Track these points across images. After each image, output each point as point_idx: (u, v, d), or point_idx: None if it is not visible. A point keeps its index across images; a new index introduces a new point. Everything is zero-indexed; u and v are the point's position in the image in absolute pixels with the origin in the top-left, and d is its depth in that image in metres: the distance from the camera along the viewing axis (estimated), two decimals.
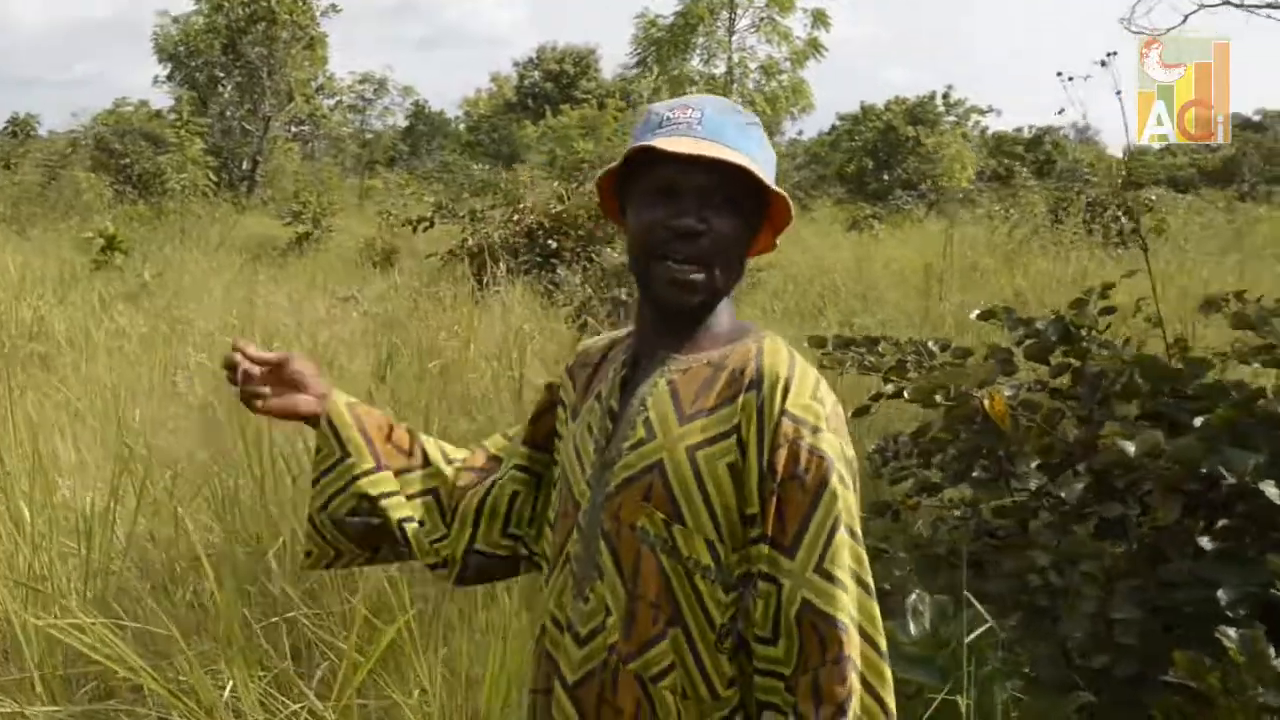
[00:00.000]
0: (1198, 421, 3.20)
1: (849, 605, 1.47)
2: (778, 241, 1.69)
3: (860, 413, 3.79)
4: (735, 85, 27.09)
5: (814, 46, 27.41)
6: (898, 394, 3.60)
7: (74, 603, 3.32)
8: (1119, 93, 4.98)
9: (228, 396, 6.23)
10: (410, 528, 1.81)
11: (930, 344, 4.05)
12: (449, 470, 1.86)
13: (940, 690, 2.63)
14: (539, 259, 11.95)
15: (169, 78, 37.00)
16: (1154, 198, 18.87)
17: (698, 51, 28.36)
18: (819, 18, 27.32)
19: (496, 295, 9.72)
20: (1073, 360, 3.74)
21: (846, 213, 25.26)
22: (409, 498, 1.82)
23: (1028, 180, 29.47)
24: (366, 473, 1.80)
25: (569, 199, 12.91)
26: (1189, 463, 2.95)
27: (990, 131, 48.21)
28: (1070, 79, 4.95)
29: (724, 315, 1.63)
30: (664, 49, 28.01)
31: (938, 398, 3.36)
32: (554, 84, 54.32)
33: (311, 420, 1.81)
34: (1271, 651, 2.42)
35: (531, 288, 10.75)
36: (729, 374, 1.55)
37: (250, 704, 2.77)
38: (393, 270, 14.25)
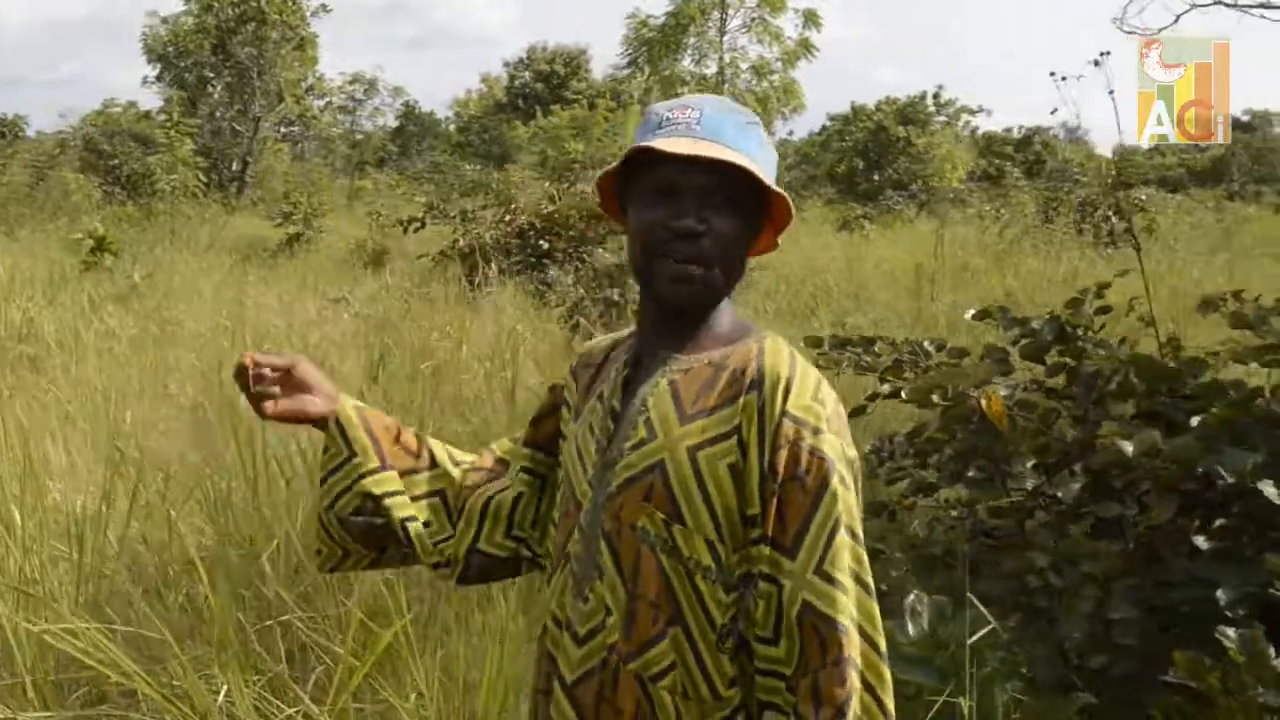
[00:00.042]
0: (1194, 421, 3.20)
1: (849, 607, 1.47)
2: (779, 241, 1.69)
3: (856, 413, 3.78)
4: (727, 86, 27.05)
5: (805, 47, 27.41)
6: (894, 394, 3.59)
7: (65, 607, 3.29)
8: (1112, 92, 4.99)
9: (219, 398, 6.20)
10: (413, 527, 1.81)
11: (926, 344, 4.04)
12: (456, 472, 1.86)
13: (940, 691, 2.63)
14: (531, 259, 11.93)
15: (158, 78, 36.83)
16: (1144, 197, 18.92)
17: (689, 52, 28.34)
18: (810, 18, 27.31)
19: (488, 296, 9.70)
20: (1068, 360, 3.74)
21: (837, 213, 25.27)
22: (415, 499, 1.82)
23: (1018, 180, 29.53)
24: (371, 472, 1.80)
25: (560, 199, 12.89)
26: (1187, 462, 2.95)
27: (980, 132, 48.33)
28: (1064, 79, 4.96)
29: (725, 315, 1.63)
30: (655, 49, 27.97)
31: (935, 398, 3.35)
32: (544, 84, 54.27)
33: (320, 422, 1.81)
34: (1271, 651, 2.42)
35: (523, 288, 10.74)
36: (730, 374, 1.55)
37: (245, 708, 2.75)
38: (384, 271, 14.22)
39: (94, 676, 3.00)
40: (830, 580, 1.46)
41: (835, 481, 1.48)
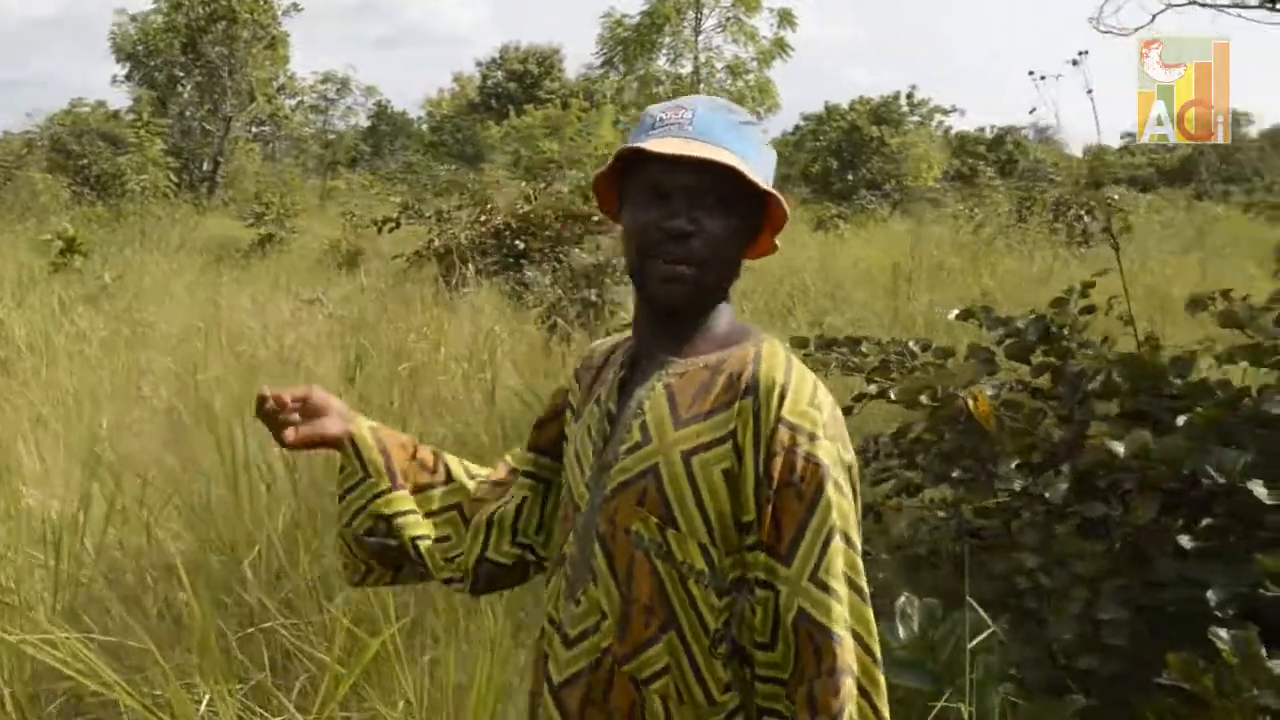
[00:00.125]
0: (1180, 420, 3.21)
1: (843, 614, 1.46)
2: (777, 243, 1.68)
3: (843, 414, 3.77)
4: (702, 85, 27.07)
5: (780, 46, 27.47)
6: (881, 394, 3.58)
7: (42, 615, 3.23)
8: (1090, 92, 5.00)
9: (193, 401, 6.14)
10: (424, 546, 1.82)
11: (911, 344, 4.04)
12: (471, 485, 1.87)
13: (933, 694, 2.62)
14: (508, 260, 11.88)
15: (127, 77, 36.54)
16: (1117, 197, 19.05)
17: (664, 51, 28.35)
18: (785, 18, 27.39)
19: (465, 297, 9.66)
20: (1053, 360, 3.74)
21: (812, 212, 25.31)
22: (428, 514, 1.84)
23: (992, 180, 29.69)
24: (383, 493, 1.82)
25: (536, 199, 12.84)
26: (1176, 462, 2.95)
27: (953, 131, 48.58)
28: (1042, 78, 4.97)
29: (723, 318, 1.62)
30: (630, 49, 27.97)
31: (922, 399, 3.35)
32: (517, 84, 54.19)
33: (337, 444, 1.83)
34: (1263, 652, 2.41)
35: (500, 289, 10.69)
36: (726, 378, 1.54)
37: (228, 717, 2.71)
38: (358, 272, 14.13)
39: (72, 687, 2.95)
40: (825, 588, 1.45)
41: (830, 488, 1.48)
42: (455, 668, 2.76)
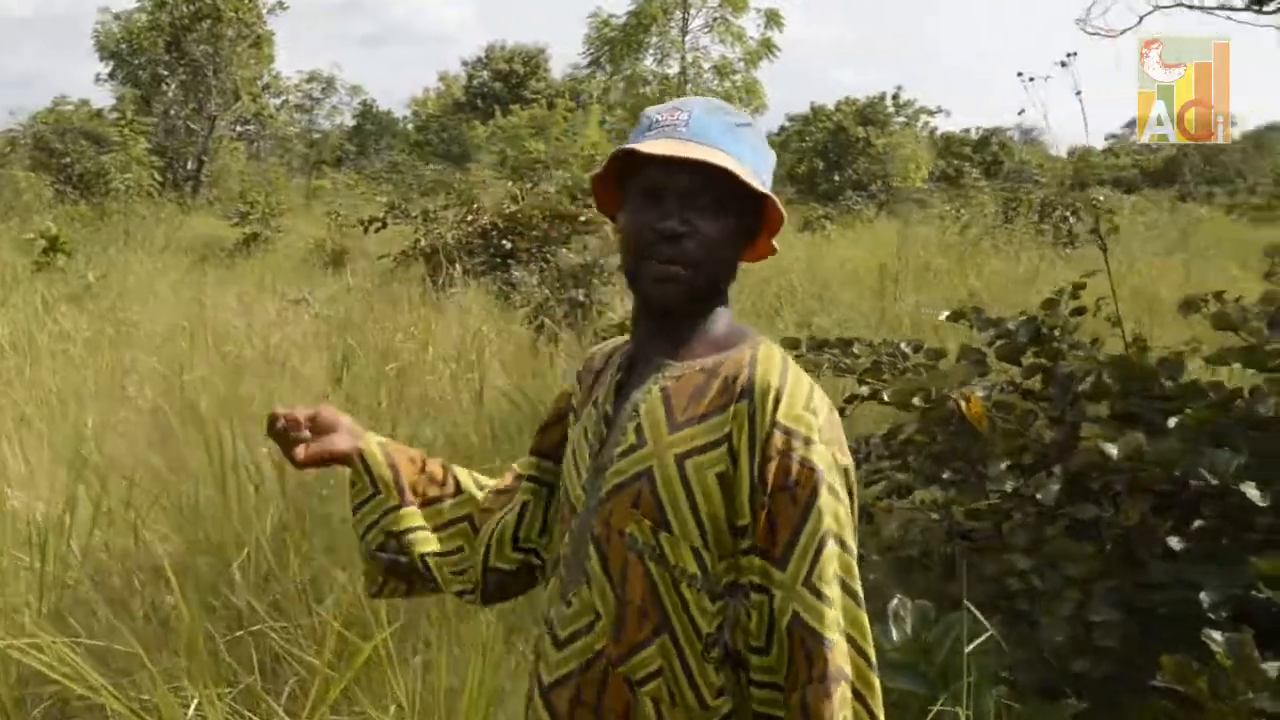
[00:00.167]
0: (1172, 422, 3.21)
1: (837, 619, 1.46)
2: (775, 245, 1.67)
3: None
4: (689, 85, 27.03)
5: (767, 47, 27.45)
6: (872, 396, 3.58)
7: (27, 618, 3.20)
8: (1079, 93, 5.01)
9: (179, 401, 6.10)
10: (433, 561, 1.83)
11: (903, 345, 4.04)
12: (480, 495, 1.87)
13: (926, 697, 2.61)
14: (495, 260, 11.85)
15: (111, 76, 36.36)
16: (1102, 198, 19.13)
17: (651, 51, 28.27)
18: (772, 18, 27.37)
19: (452, 297, 9.62)
20: (1045, 361, 3.74)
21: (798, 213, 25.30)
22: (439, 527, 1.84)
23: (977, 180, 29.75)
24: (393, 509, 1.83)
25: (523, 199, 12.81)
26: (1170, 464, 2.95)
27: (939, 132, 48.73)
28: (1031, 79, 4.98)
29: (721, 321, 1.62)
30: (617, 48, 27.90)
31: (915, 400, 3.34)
32: (503, 84, 54.14)
33: (346, 460, 1.84)
34: (1256, 655, 2.41)
35: (487, 289, 10.66)
36: (721, 381, 1.54)
37: None
38: (344, 272, 14.08)
39: (59, 691, 2.91)
40: (818, 594, 1.45)
41: (825, 492, 1.47)
42: (447, 671, 2.74)
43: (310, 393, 6.91)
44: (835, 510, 1.48)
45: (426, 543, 1.82)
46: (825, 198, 32.30)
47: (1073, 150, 25.71)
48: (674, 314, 1.58)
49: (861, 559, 3.45)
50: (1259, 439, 2.95)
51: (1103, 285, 4.11)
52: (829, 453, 1.50)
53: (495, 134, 41.35)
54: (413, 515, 1.82)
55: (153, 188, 24.14)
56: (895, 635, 2.83)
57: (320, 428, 1.81)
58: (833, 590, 1.46)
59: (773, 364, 1.54)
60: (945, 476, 3.77)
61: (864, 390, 3.66)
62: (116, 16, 35.87)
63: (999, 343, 3.88)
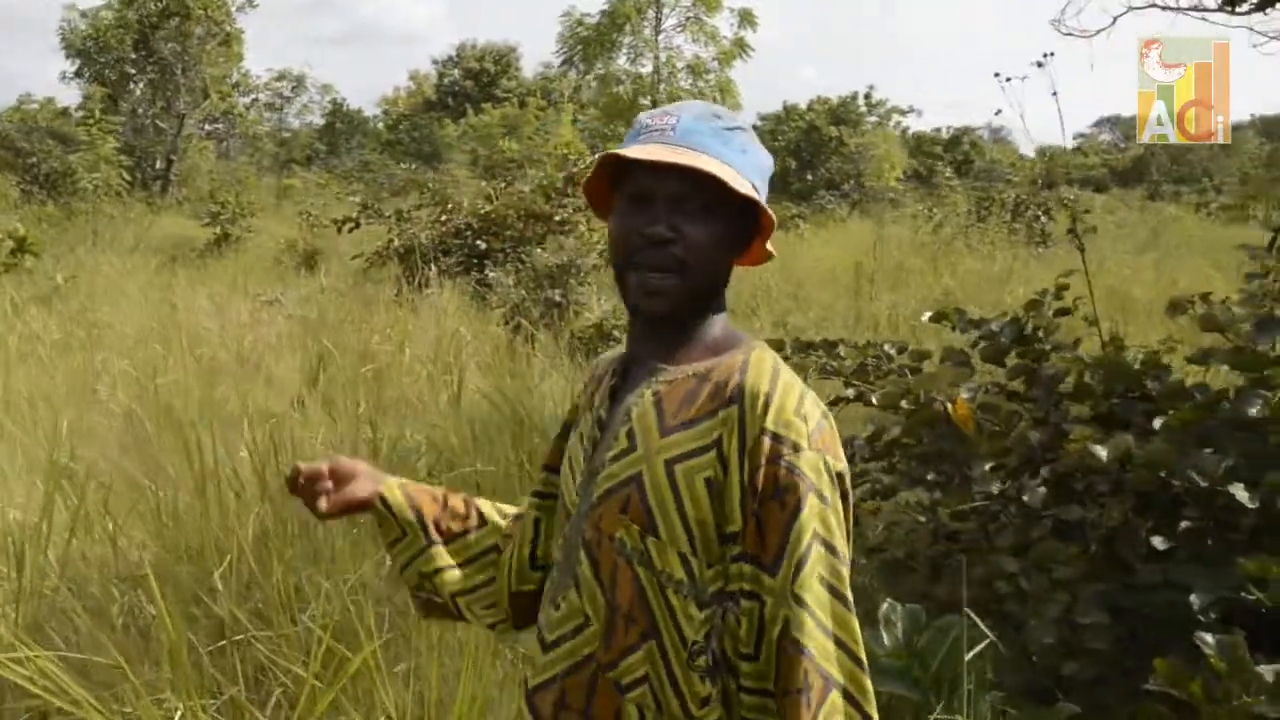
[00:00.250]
0: (1157, 423, 3.22)
1: (826, 622, 1.45)
2: (770, 249, 1.65)
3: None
4: (663, 85, 27.01)
5: (740, 46, 27.45)
6: (859, 398, 3.57)
7: (3, 628, 3.13)
8: (1055, 94, 5.03)
9: (153, 405, 6.03)
10: (463, 601, 1.84)
11: (887, 347, 4.03)
12: (504, 524, 1.86)
13: (919, 702, 2.60)
14: (471, 260, 11.79)
15: (77, 74, 35.95)
16: (1073, 197, 19.27)
17: (624, 50, 28.21)
18: (745, 17, 27.36)
19: (428, 298, 9.57)
20: (1029, 362, 3.74)
21: (772, 212, 25.37)
22: (469, 560, 1.84)
23: (949, 179, 29.87)
24: (422, 550, 1.83)
25: (497, 199, 12.75)
26: (1158, 466, 2.95)
27: (910, 132, 49.00)
28: (1009, 80, 4.99)
29: (716, 326, 1.61)
30: (591, 48, 27.82)
31: (903, 403, 3.34)
32: (474, 82, 54.05)
33: (369, 506, 1.84)
34: (1249, 657, 2.41)
35: (462, 289, 10.61)
36: (713, 387, 1.53)
37: None
38: (317, 272, 13.98)
39: (39, 704, 2.85)
40: (802, 602, 1.44)
41: (813, 499, 1.46)
42: (437, 681, 2.71)
43: (285, 394, 6.85)
44: (823, 516, 1.46)
45: (455, 582, 1.83)
46: (798, 197, 32.37)
47: (1043, 150, 25.85)
48: (664, 320, 1.57)
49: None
50: (1247, 440, 2.96)
51: (1077, 285, 4.13)
52: (819, 459, 1.48)
53: (467, 133, 41.27)
54: (440, 555, 1.82)
55: (121, 187, 23.89)
56: (887, 640, 2.82)
57: (339, 476, 1.81)
58: (819, 597, 1.45)
59: (764, 369, 1.52)
60: (930, 478, 3.77)
61: (850, 393, 3.65)
62: (83, 14, 35.49)
63: (982, 344, 3.88)
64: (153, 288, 11.82)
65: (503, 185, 13.81)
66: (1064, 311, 3.93)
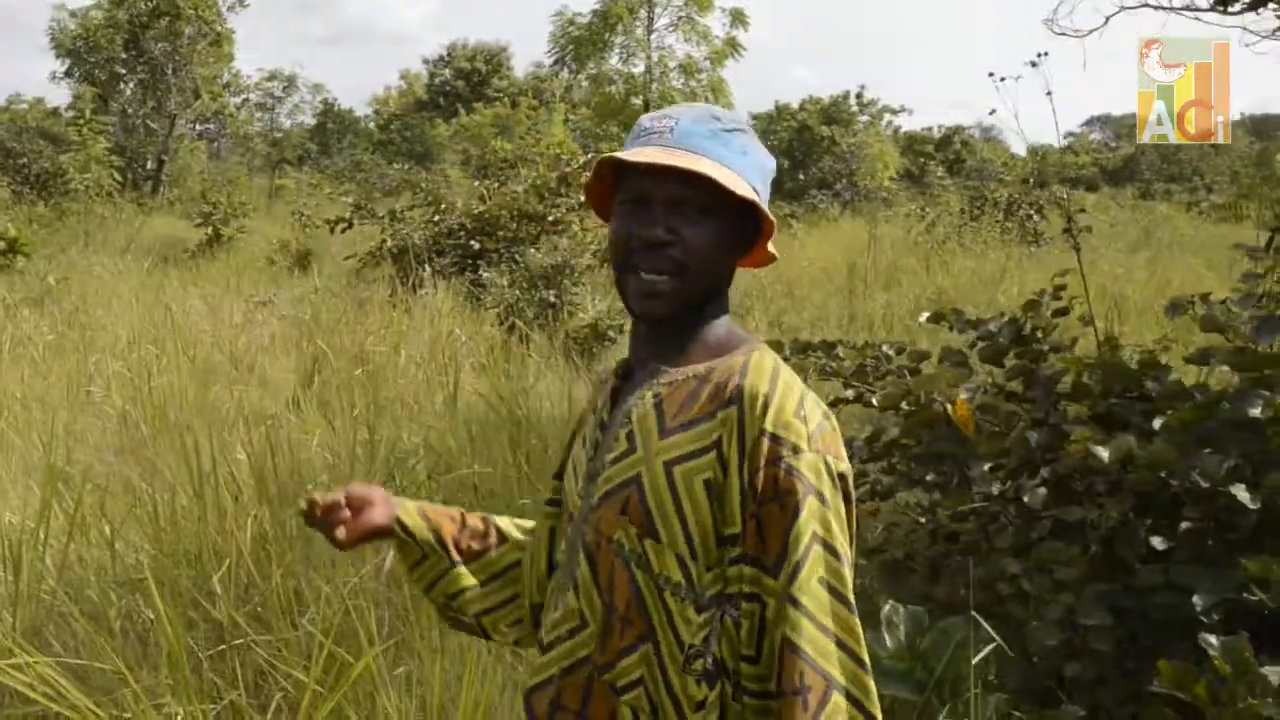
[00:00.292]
0: (1157, 423, 3.22)
1: (826, 622, 1.44)
2: (773, 250, 1.65)
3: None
4: (655, 84, 26.99)
5: (732, 46, 27.45)
6: (859, 399, 3.56)
7: (1, 633, 3.11)
8: (1049, 93, 5.04)
9: (148, 407, 6.01)
10: (487, 621, 1.84)
11: (886, 348, 4.03)
12: (524, 539, 1.86)
13: (921, 704, 2.60)
14: (465, 260, 11.76)
15: (67, 74, 35.83)
16: (1066, 195, 19.30)
17: (616, 50, 28.17)
18: (737, 17, 27.37)
19: (421, 298, 9.54)
20: (1028, 363, 3.74)
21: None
22: (491, 578, 1.84)
23: (941, 178, 29.88)
24: (444, 572, 1.83)
25: (490, 199, 12.72)
26: (1159, 466, 2.95)
27: (902, 131, 49.05)
28: (1003, 79, 5.00)
29: (719, 327, 1.60)
30: (583, 47, 27.80)
31: (905, 404, 3.33)
32: (465, 82, 53.96)
33: (387, 532, 1.83)
34: (1254, 659, 2.41)
35: (456, 290, 10.58)
36: (712, 388, 1.52)
37: None
38: (310, 273, 13.94)
39: (37, 711, 2.83)
40: (799, 604, 1.43)
41: (812, 500, 1.45)
42: (440, 687, 2.69)
43: (280, 395, 6.84)
44: (823, 518, 1.46)
45: (478, 601, 1.83)
46: (790, 197, 32.39)
47: (1035, 149, 25.86)
48: (665, 322, 1.57)
49: None
50: (1247, 440, 2.96)
51: (1073, 285, 4.13)
52: (819, 460, 1.47)
53: (458, 133, 41.19)
54: (463, 576, 1.82)
55: (112, 188, 23.79)
56: (889, 642, 2.81)
57: (354, 504, 1.79)
58: (814, 598, 1.44)
59: (764, 370, 1.52)
60: (929, 479, 3.76)
61: (849, 394, 3.64)
62: (73, 14, 35.37)
63: (980, 345, 3.88)
64: (145, 289, 11.78)
65: (496, 185, 13.77)
66: (1062, 312, 3.92)
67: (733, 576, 1.47)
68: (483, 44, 56.11)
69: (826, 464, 1.48)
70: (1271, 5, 5.99)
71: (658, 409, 1.53)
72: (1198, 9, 6.59)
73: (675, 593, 1.48)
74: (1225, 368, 3.30)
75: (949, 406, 3.29)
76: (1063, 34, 6.53)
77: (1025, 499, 3.40)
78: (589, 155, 15.76)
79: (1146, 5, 6.53)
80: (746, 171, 1.56)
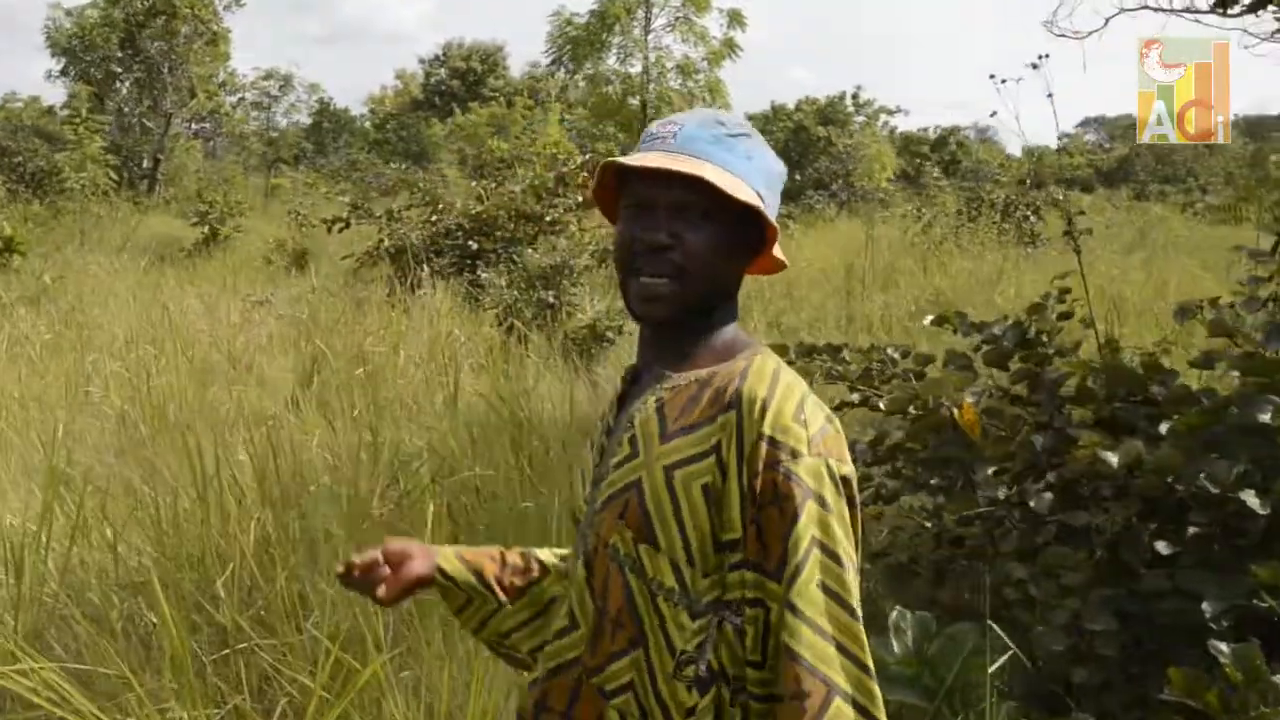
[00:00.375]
0: (1163, 428, 3.21)
1: (826, 627, 1.43)
2: (782, 257, 1.64)
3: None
4: (652, 85, 26.94)
5: (730, 46, 27.40)
6: (864, 402, 3.55)
7: (3, 637, 3.09)
8: (1050, 95, 5.03)
9: (147, 407, 5.99)
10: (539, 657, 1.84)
11: (890, 351, 4.01)
12: (565, 566, 1.83)
13: (929, 710, 2.59)
14: (463, 260, 11.74)
15: (63, 73, 35.76)
16: (1062, 196, 19.32)
17: (614, 50, 28.10)
18: (735, 18, 27.31)
19: (420, 298, 9.52)
20: (1033, 367, 3.73)
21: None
22: (537, 616, 1.82)
23: (938, 179, 29.88)
24: (493, 613, 1.82)
25: (488, 199, 12.70)
26: (1166, 471, 2.94)
27: (898, 132, 49.09)
28: (1003, 81, 4.99)
29: (726, 332, 1.59)
30: (580, 47, 27.74)
31: (911, 408, 3.32)
32: (461, 81, 53.94)
33: (428, 582, 1.82)
34: (1265, 666, 2.40)
35: (454, 290, 10.56)
36: (713, 392, 1.51)
37: None
38: (307, 272, 13.91)
39: (41, 715, 2.81)
40: (796, 609, 1.42)
41: (813, 505, 1.44)
42: (448, 693, 2.68)
43: (278, 396, 6.81)
44: (824, 522, 1.44)
45: (528, 639, 1.81)
46: (787, 197, 32.26)
47: (1031, 150, 25.89)
48: (669, 327, 1.57)
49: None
50: (1256, 446, 2.95)
51: (1073, 286, 4.13)
52: (819, 464, 1.46)
53: (454, 132, 41.16)
54: (508, 615, 1.82)
55: (108, 186, 23.77)
56: (896, 647, 2.80)
57: (392, 560, 1.78)
58: (813, 603, 1.43)
59: (763, 374, 1.51)
60: (934, 483, 3.75)
61: (855, 398, 3.63)
62: (69, 12, 35.31)
63: (985, 348, 3.87)
64: (142, 288, 11.75)
65: (493, 185, 13.75)
66: (1066, 315, 3.91)
67: (733, 582, 1.46)
68: (479, 43, 56.16)
69: (829, 467, 1.46)
70: (1271, 7, 6.00)
71: (660, 413, 1.53)
72: (1197, 11, 6.60)
73: (668, 598, 1.48)
74: (1229, 371, 3.29)
75: (955, 411, 3.28)
76: (1062, 35, 6.53)
77: (1031, 503, 3.40)
78: (586, 156, 15.75)
79: (1146, 7, 6.54)
80: (750, 177, 1.55)
